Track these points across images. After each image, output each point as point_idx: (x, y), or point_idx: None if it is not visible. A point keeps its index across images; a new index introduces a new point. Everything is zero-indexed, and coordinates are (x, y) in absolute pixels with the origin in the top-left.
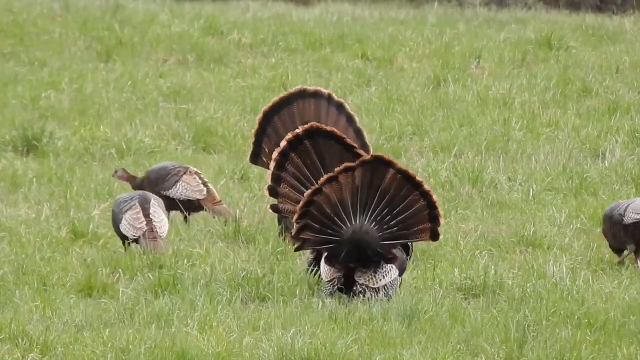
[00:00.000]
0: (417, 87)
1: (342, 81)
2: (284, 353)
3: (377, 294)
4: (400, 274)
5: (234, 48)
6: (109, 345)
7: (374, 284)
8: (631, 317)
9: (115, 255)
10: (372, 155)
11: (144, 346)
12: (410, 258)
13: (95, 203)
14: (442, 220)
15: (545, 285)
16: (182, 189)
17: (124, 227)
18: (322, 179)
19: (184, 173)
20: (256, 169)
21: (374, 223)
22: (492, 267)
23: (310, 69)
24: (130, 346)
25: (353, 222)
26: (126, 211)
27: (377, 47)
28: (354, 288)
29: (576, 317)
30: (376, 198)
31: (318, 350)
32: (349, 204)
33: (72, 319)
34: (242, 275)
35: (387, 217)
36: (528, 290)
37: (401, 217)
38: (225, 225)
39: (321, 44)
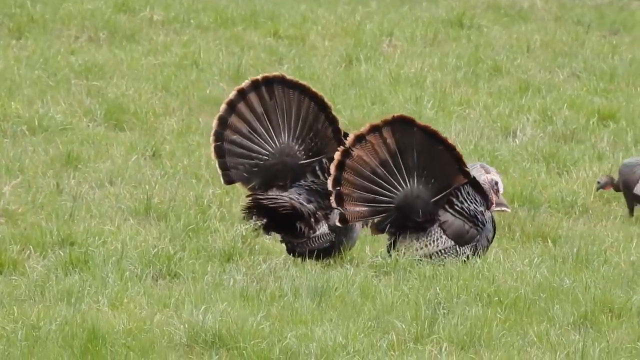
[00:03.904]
0: (330, 66)
1: (255, 59)
2: (195, 330)
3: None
4: (459, 243)
5: (145, 25)
6: (20, 322)
7: (420, 251)
8: (541, 295)
9: (25, 232)
10: (395, 116)
11: (54, 323)
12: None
13: (7, 180)
14: (463, 159)
15: (456, 262)
16: None
17: None
18: (350, 139)
19: None
20: (168, 146)
21: (421, 185)
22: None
23: (223, 46)
24: (41, 323)
25: (404, 187)
26: None
27: (290, 25)
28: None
29: (487, 294)
30: (415, 159)
31: (229, 327)
32: (394, 168)
33: None
34: (153, 252)
35: (429, 177)
36: (439, 267)
37: (439, 173)
38: None
39: (233, 21)
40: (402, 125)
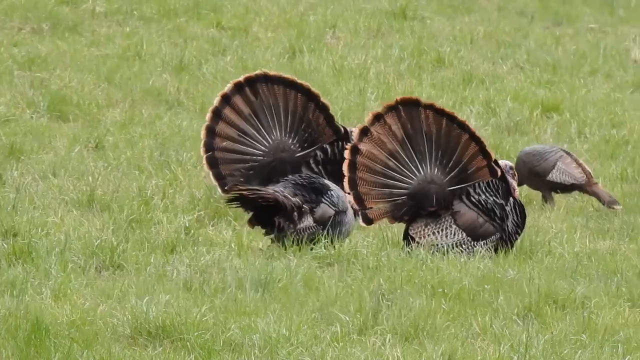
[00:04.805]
0: (273, 57)
1: (197, 50)
2: (138, 322)
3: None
4: (471, 236)
5: (88, 17)
6: None
7: (428, 238)
8: (486, 286)
9: None
10: (397, 99)
11: None
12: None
13: None
14: (493, 155)
15: (399, 254)
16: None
17: None
18: (356, 134)
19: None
20: (111, 138)
21: (436, 170)
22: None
23: (165, 38)
24: None
25: (417, 174)
26: None
27: (232, 16)
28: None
29: (431, 286)
30: (426, 143)
31: (173, 318)
32: (404, 157)
33: None
34: (96, 243)
35: (445, 161)
36: (383, 259)
37: (455, 156)
38: None
39: (176, 13)
40: (406, 108)
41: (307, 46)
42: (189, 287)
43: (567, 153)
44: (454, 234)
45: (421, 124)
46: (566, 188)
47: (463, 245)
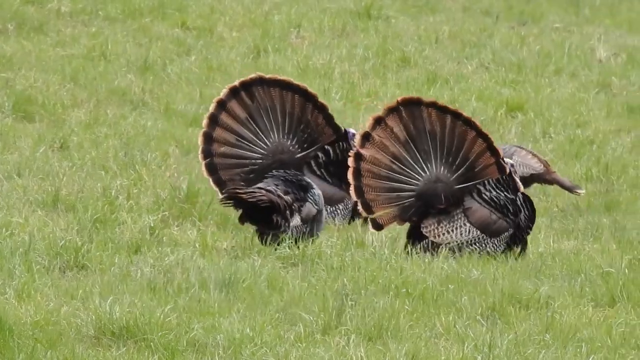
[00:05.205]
0: (238, 57)
1: (162, 50)
2: (102, 322)
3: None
4: (485, 233)
5: (53, 17)
6: None
7: (443, 237)
8: (449, 286)
9: None
10: (398, 100)
11: None
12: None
13: None
14: (501, 151)
15: (363, 254)
16: None
17: None
18: (357, 140)
19: None
20: (76, 138)
21: (442, 169)
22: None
23: (131, 38)
24: None
25: (423, 174)
26: None
27: (197, 16)
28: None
29: (395, 286)
30: (430, 142)
31: (137, 319)
32: (409, 159)
33: None
34: (61, 244)
35: (451, 159)
36: (347, 259)
37: (461, 153)
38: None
39: (141, 13)
40: (408, 108)
41: (271, 46)
42: (152, 287)
43: (520, 147)
44: (469, 232)
45: (424, 123)
46: (526, 181)
47: (477, 243)
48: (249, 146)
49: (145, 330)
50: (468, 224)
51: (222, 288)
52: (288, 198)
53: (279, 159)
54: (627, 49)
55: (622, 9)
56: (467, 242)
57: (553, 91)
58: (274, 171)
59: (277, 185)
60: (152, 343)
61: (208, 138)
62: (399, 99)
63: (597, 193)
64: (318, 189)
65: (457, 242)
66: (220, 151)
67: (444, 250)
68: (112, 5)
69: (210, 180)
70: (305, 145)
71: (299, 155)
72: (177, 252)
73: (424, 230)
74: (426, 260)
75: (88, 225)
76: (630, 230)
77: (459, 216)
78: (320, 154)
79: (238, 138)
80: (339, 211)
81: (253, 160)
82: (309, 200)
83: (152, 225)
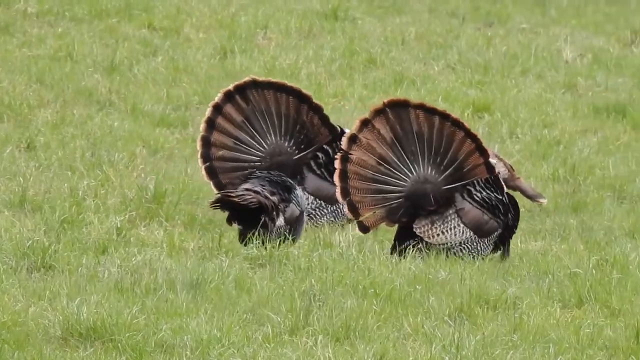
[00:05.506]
0: (204, 58)
1: (129, 51)
2: (70, 323)
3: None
4: (478, 234)
5: (20, 18)
6: None
7: (437, 238)
8: (417, 287)
9: None
10: (385, 102)
11: None
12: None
13: None
14: (490, 152)
15: (331, 255)
16: None
17: None
18: (344, 142)
19: None
20: (42, 138)
21: (429, 169)
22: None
23: (97, 38)
24: None
25: (410, 175)
26: None
27: (164, 16)
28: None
29: (362, 286)
30: (418, 143)
31: (104, 319)
32: (396, 160)
33: None
34: (27, 244)
35: (439, 160)
36: (314, 260)
37: (450, 154)
38: None
39: (108, 13)
40: (394, 110)
41: (238, 47)
42: (120, 288)
43: None
44: (462, 232)
45: (411, 124)
46: None
47: (468, 243)
48: (247, 149)
49: (112, 331)
50: (462, 225)
51: (190, 289)
52: (274, 198)
53: (277, 160)
54: (593, 50)
55: (588, 10)
56: (460, 242)
57: (519, 92)
58: (257, 172)
59: (263, 186)
60: (119, 344)
61: (206, 142)
62: (386, 100)
63: (564, 194)
64: (300, 190)
65: (451, 242)
66: (218, 155)
67: (441, 252)
68: (79, 6)
69: (211, 184)
70: (302, 147)
71: (296, 157)
72: (144, 252)
73: (417, 231)
74: (394, 260)
75: (55, 225)
76: (597, 230)
77: (453, 217)
78: (320, 154)
79: (235, 141)
80: (339, 211)
81: (252, 163)
82: (293, 201)
83: (119, 225)
